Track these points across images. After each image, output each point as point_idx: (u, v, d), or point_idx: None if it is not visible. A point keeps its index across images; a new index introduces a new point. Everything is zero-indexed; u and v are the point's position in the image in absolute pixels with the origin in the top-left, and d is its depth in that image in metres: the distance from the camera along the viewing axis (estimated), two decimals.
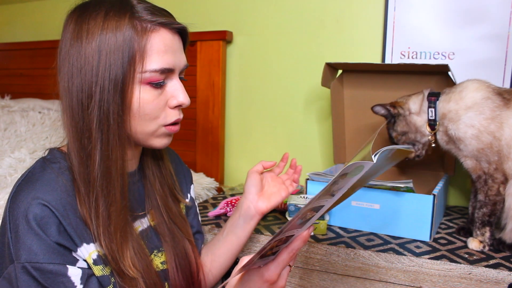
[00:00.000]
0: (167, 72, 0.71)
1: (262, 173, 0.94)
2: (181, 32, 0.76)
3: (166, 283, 0.82)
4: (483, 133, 0.98)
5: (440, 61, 1.37)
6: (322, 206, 0.62)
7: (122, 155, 0.70)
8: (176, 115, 0.75)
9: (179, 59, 0.74)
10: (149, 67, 0.68)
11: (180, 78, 0.76)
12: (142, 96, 0.69)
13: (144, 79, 0.69)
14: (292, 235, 0.65)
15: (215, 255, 0.93)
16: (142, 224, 0.81)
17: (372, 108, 1.14)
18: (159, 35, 0.69)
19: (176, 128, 0.76)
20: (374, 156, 0.54)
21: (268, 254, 0.65)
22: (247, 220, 0.87)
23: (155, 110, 0.71)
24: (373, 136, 0.62)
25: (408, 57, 1.41)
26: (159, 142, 0.76)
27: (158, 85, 0.70)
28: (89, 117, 0.67)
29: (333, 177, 0.56)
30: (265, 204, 0.91)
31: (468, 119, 0.99)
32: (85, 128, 0.68)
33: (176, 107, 0.74)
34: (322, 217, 1.17)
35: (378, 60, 1.46)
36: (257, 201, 0.90)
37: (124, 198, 0.72)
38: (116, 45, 0.66)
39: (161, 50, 0.69)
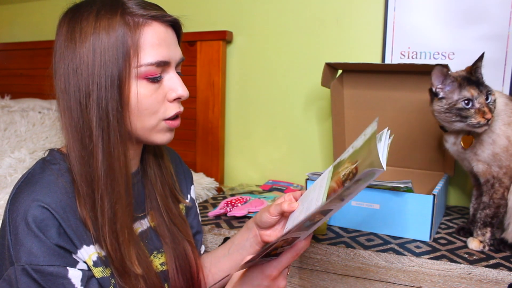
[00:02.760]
0: (163, 65, 0.71)
1: (283, 213, 0.79)
2: (175, 25, 0.75)
3: (165, 284, 0.82)
4: (501, 137, 0.98)
5: (440, 61, 1.37)
6: (330, 210, 0.62)
7: (124, 152, 0.70)
8: (176, 108, 0.75)
9: (174, 52, 0.73)
10: (144, 61, 0.68)
11: (178, 73, 0.76)
12: (139, 91, 0.69)
13: (140, 73, 0.69)
14: (298, 237, 0.65)
15: (217, 268, 0.93)
16: (141, 225, 0.81)
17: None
18: (152, 28, 0.70)
19: (176, 122, 0.76)
20: (383, 160, 0.54)
21: (272, 254, 0.65)
22: (253, 245, 0.87)
23: (154, 104, 0.71)
24: (372, 132, 0.61)
25: (408, 57, 1.41)
26: (161, 138, 0.75)
27: (155, 79, 0.70)
28: (88, 116, 0.67)
29: (348, 184, 0.56)
30: (273, 238, 0.87)
31: (491, 125, 0.98)
32: (85, 127, 0.68)
33: (175, 100, 0.74)
34: None
35: (378, 60, 1.46)
36: (268, 235, 0.85)
37: (129, 195, 0.71)
38: (110, 42, 0.67)
39: (155, 43, 0.69)
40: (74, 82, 0.67)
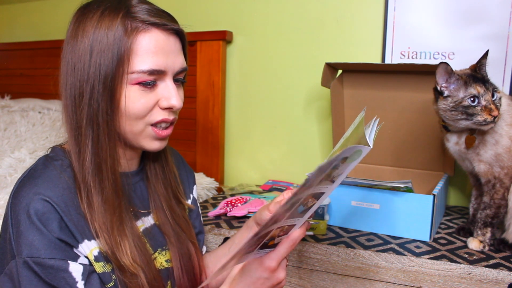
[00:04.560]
0: (156, 73, 0.70)
1: None
2: (179, 33, 0.74)
3: (169, 282, 0.82)
4: (503, 137, 0.98)
5: (440, 61, 1.37)
6: (322, 193, 0.62)
7: (112, 154, 0.71)
8: (163, 115, 0.73)
9: (173, 61, 0.72)
10: (137, 67, 0.68)
11: (176, 80, 0.75)
12: (130, 96, 0.69)
13: (132, 79, 0.68)
14: (294, 225, 0.66)
15: (218, 268, 0.93)
16: (144, 222, 0.81)
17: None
18: (150, 35, 0.69)
19: (165, 132, 0.75)
20: (369, 139, 0.55)
21: (269, 246, 0.65)
22: None
23: (143, 110, 0.70)
24: (360, 119, 0.62)
25: (408, 57, 1.41)
26: (149, 145, 0.75)
27: (147, 85, 0.70)
28: (80, 114, 0.68)
29: (335, 162, 0.55)
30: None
31: (495, 127, 0.98)
32: (77, 125, 0.69)
33: (166, 108, 0.73)
34: (322, 217, 1.17)
35: (378, 60, 1.46)
36: None
37: (118, 196, 0.72)
38: (107, 44, 0.67)
39: (150, 50, 0.69)
40: (71, 80, 0.68)
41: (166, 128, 0.75)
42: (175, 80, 0.75)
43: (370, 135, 0.57)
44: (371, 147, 0.53)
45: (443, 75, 0.97)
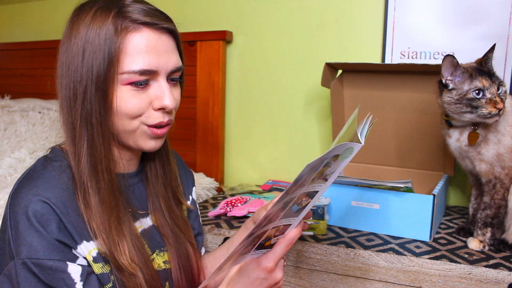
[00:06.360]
0: (148, 73, 0.69)
1: None
2: (172, 32, 0.73)
3: (167, 283, 0.82)
4: (506, 137, 0.98)
5: (440, 61, 1.36)
6: (316, 192, 0.62)
7: (107, 154, 0.71)
8: (158, 118, 0.72)
9: (166, 61, 0.71)
10: (128, 67, 0.67)
11: (171, 79, 0.74)
12: (122, 96, 0.68)
13: (124, 80, 0.68)
14: (290, 224, 0.66)
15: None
16: (143, 223, 0.81)
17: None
18: (141, 35, 0.68)
19: (160, 131, 0.74)
20: (361, 136, 0.55)
21: (265, 246, 0.66)
22: None
23: (136, 109, 0.70)
24: (353, 117, 0.62)
25: (408, 57, 1.41)
26: (145, 144, 0.74)
27: (139, 85, 0.69)
28: (75, 115, 0.68)
29: (327, 160, 0.56)
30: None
31: (497, 125, 0.98)
32: (73, 126, 0.69)
33: (159, 109, 0.72)
34: (322, 217, 1.17)
35: (378, 60, 1.46)
36: None
37: (115, 196, 0.71)
38: (99, 44, 0.66)
39: (141, 50, 0.68)
40: (66, 81, 0.69)
41: (162, 127, 0.74)
42: (171, 80, 0.74)
43: (362, 132, 0.58)
44: (363, 144, 0.54)
45: (449, 67, 0.97)
